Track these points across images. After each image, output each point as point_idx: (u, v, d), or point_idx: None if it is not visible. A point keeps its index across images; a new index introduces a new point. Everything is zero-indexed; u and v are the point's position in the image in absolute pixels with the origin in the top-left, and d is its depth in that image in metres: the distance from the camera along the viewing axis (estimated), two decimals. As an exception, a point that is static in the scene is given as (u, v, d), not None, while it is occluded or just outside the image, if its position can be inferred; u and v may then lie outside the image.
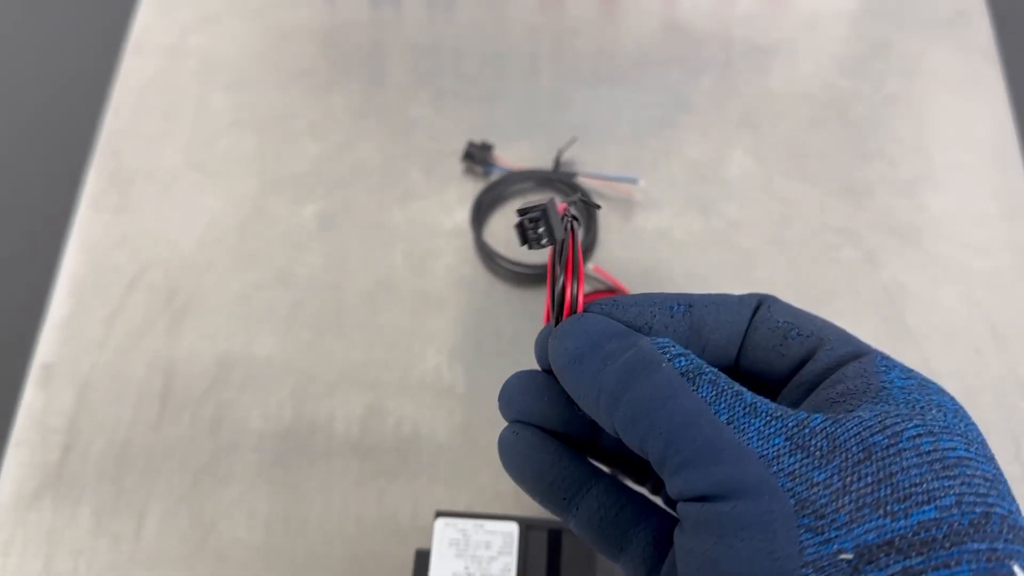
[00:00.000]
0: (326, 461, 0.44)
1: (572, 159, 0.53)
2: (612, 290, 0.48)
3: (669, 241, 0.51)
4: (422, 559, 0.38)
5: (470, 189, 0.52)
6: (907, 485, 0.20)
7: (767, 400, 0.22)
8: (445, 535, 0.38)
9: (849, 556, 0.19)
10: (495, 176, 0.52)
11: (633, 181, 0.51)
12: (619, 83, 0.57)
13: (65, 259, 0.50)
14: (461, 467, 0.44)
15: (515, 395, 0.26)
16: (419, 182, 0.52)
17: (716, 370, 0.23)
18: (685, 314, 0.25)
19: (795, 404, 0.24)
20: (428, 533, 0.39)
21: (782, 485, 0.20)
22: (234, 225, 0.51)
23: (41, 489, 0.43)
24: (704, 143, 0.54)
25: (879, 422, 0.21)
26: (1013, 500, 0.21)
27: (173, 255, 0.50)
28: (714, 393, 0.22)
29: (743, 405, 0.22)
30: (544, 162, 0.52)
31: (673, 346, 0.23)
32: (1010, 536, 0.19)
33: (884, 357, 0.24)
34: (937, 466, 0.20)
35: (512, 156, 0.52)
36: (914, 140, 0.54)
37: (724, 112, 0.56)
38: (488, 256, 0.49)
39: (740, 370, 0.26)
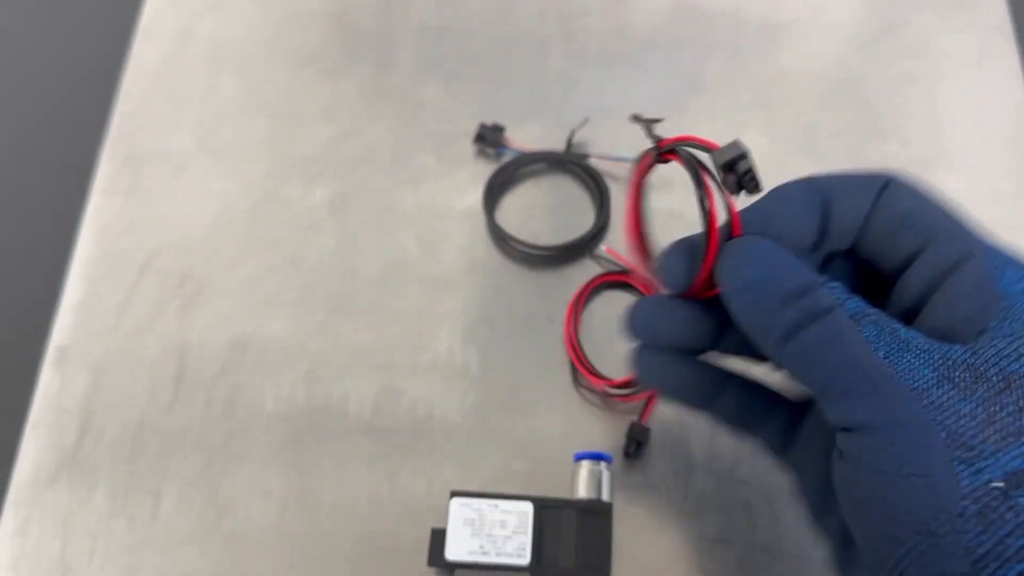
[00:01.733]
0: (339, 442, 0.44)
1: (584, 140, 0.52)
2: (625, 272, 0.48)
3: (682, 221, 0.50)
4: (438, 537, 0.38)
5: (482, 171, 0.52)
6: None
7: (918, 334, 0.24)
8: (460, 514, 0.38)
9: (1000, 484, 0.21)
10: (507, 158, 0.52)
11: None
12: (629, 64, 0.56)
13: (79, 243, 0.50)
14: (473, 447, 0.44)
15: (648, 319, 0.30)
16: (430, 164, 0.52)
17: (878, 310, 0.25)
18: (816, 210, 0.28)
19: (908, 309, 0.27)
20: (440, 512, 0.39)
21: (932, 419, 0.22)
22: (245, 209, 0.51)
23: (57, 470, 0.43)
24: (715, 124, 0.54)
25: (1014, 350, 0.23)
26: None
27: (185, 239, 0.50)
28: (875, 332, 0.24)
29: (897, 342, 0.24)
30: (555, 143, 0.52)
31: (843, 291, 0.26)
32: None
33: (994, 254, 0.25)
34: None
35: (523, 137, 0.52)
36: (927, 119, 0.54)
37: (735, 93, 0.55)
38: (500, 238, 0.49)
39: (858, 255, 0.28)
